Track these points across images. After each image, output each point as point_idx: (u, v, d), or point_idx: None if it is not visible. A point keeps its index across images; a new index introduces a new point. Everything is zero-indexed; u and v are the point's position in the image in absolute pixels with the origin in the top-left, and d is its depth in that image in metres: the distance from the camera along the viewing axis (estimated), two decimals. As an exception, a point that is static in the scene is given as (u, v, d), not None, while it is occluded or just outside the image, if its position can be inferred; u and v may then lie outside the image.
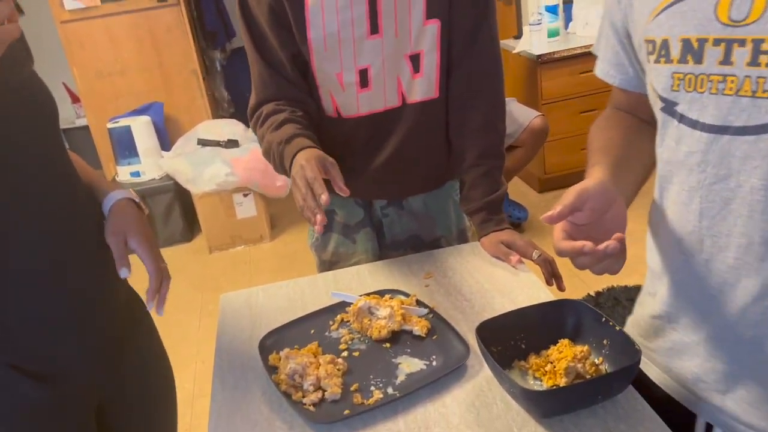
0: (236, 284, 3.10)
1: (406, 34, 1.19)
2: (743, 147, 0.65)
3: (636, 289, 2.68)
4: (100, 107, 3.59)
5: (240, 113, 4.17)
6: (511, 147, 3.00)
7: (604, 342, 0.86)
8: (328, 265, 1.42)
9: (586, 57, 3.18)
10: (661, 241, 0.82)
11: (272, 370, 0.94)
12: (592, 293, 2.56)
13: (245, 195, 3.39)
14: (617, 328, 0.85)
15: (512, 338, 0.89)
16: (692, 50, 0.69)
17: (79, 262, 0.92)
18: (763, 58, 0.62)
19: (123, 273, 0.91)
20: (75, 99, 4.58)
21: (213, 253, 3.46)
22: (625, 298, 2.49)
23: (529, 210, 3.26)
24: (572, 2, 3.52)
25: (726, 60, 0.66)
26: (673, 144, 0.74)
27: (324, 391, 0.89)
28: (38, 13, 3.78)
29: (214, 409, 0.92)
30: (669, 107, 0.73)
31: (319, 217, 1.01)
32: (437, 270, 1.20)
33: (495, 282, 1.13)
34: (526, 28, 3.44)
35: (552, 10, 3.38)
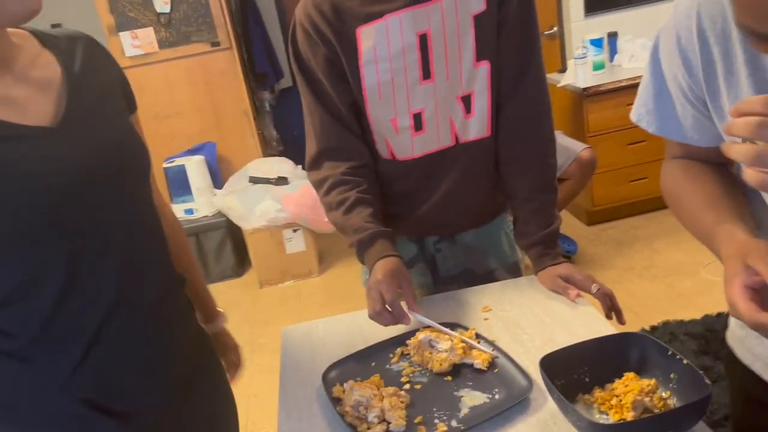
0: (286, 319, 3.14)
1: (457, 77, 1.22)
2: None
3: (693, 324, 2.62)
4: (157, 148, 3.74)
5: (289, 151, 4.28)
6: (559, 179, 2.99)
7: (671, 376, 0.85)
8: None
9: (633, 89, 3.16)
10: None
11: (336, 401, 0.96)
12: (647, 328, 2.50)
13: (295, 231, 3.46)
14: (684, 361, 0.84)
15: (576, 372, 0.89)
16: None
17: (159, 301, 0.95)
18: None
19: None
20: (132, 140, 4.78)
21: (263, 288, 3.52)
22: (682, 332, 2.43)
23: (578, 243, 3.23)
24: (617, 35, 3.53)
25: None
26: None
27: (389, 423, 0.91)
28: (100, 60, 3.98)
29: (281, 440, 0.94)
30: None
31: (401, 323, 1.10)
32: (495, 303, 1.21)
33: (554, 315, 1.14)
34: (570, 62, 3.46)
35: (596, 43, 3.39)
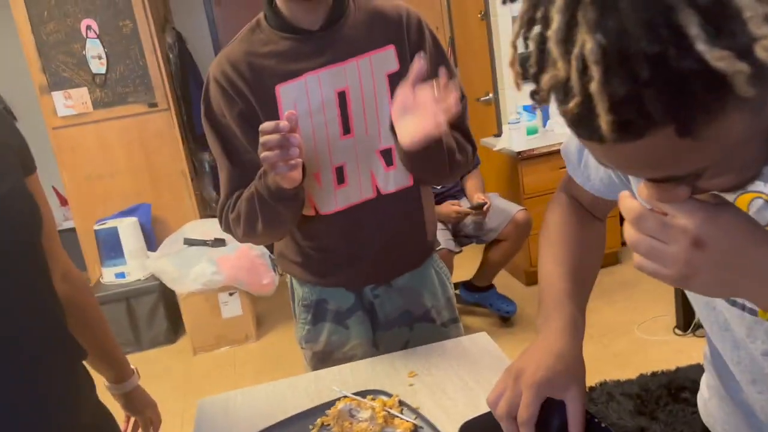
0: (220, 387, 3.00)
1: (375, 132, 1.26)
2: None
3: (628, 384, 2.63)
4: (88, 209, 3.62)
5: (228, 212, 4.21)
6: (496, 241, 3.03)
7: None
8: (320, 356, 1.41)
9: (565, 153, 3.28)
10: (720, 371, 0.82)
11: (248, 479, 0.90)
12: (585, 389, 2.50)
13: (231, 294, 3.36)
14: (603, 425, 0.82)
15: None
16: None
17: (46, 374, 0.88)
18: None
19: None
20: (63, 202, 4.62)
21: (197, 355, 3.38)
22: (619, 392, 2.44)
23: (518, 303, 3.24)
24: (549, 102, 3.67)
25: None
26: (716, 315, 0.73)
27: (301, 501, 0.85)
28: (31, 120, 3.89)
29: None
30: None
31: (294, 149, 1.05)
32: (421, 368, 1.18)
33: (480, 379, 1.11)
34: (505, 127, 3.57)
35: (529, 109, 3.52)
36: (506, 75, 3.75)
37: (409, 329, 1.41)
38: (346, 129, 1.24)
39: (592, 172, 0.89)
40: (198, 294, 3.30)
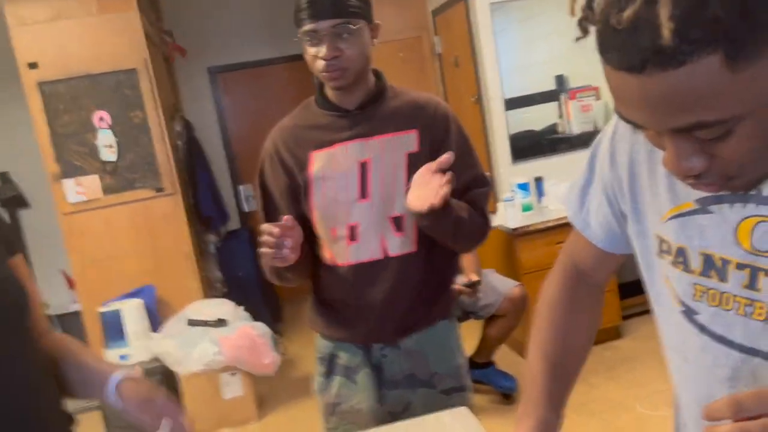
0: (219, 471, 2.97)
1: (390, 200, 1.43)
2: None
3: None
4: (94, 292, 3.69)
5: (233, 292, 4.27)
6: (493, 317, 3.06)
7: None
8: (331, 408, 1.54)
9: (561, 228, 3.35)
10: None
11: None
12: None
13: (232, 374, 3.37)
14: None
15: None
16: (715, 267, 0.69)
17: None
18: None
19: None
20: (72, 285, 4.71)
21: (198, 438, 3.35)
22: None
23: (518, 379, 3.23)
24: (543, 179, 3.79)
25: (752, 285, 0.65)
26: (697, 350, 0.74)
27: None
28: (44, 206, 4.03)
29: None
30: (689, 313, 0.74)
31: (285, 250, 1.31)
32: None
33: (456, 454, 1.14)
34: (500, 204, 3.67)
35: (523, 187, 3.62)
36: (500, 154, 3.88)
37: (412, 392, 1.51)
38: (364, 194, 1.44)
39: (592, 217, 0.90)
40: (200, 374, 3.31)
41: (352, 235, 1.45)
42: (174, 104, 4.48)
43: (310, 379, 3.84)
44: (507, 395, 3.16)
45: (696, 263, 0.70)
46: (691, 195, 0.70)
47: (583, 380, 3.21)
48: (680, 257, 0.72)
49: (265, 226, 1.32)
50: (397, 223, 1.45)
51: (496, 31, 3.80)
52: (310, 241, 1.52)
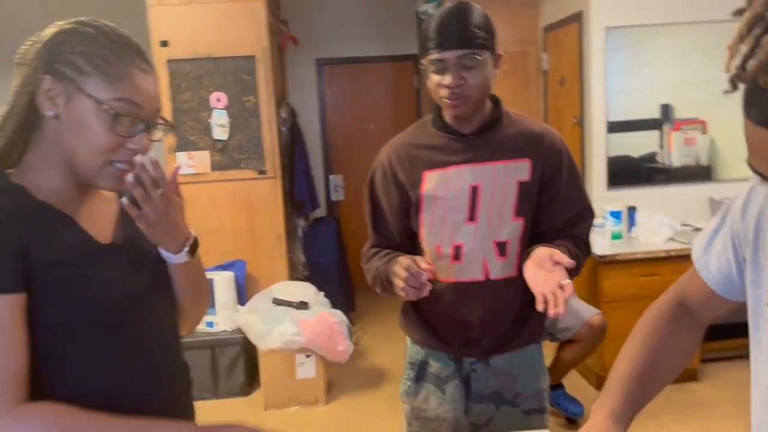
0: (286, 445, 3.14)
1: (496, 225, 1.49)
2: None
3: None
4: (191, 259, 3.94)
5: (314, 277, 4.45)
6: (569, 341, 3.07)
7: None
8: (416, 412, 1.61)
9: (648, 262, 3.32)
10: None
11: None
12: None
13: (308, 356, 3.53)
14: None
15: None
16: None
17: (173, 398, 1.08)
18: None
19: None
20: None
21: (268, 411, 3.54)
22: None
23: (585, 405, 3.23)
24: (636, 209, 3.74)
25: None
26: None
27: None
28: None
29: None
30: None
31: (424, 285, 1.36)
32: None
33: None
34: (590, 229, 3.64)
35: (615, 215, 3.59)
36: (596, 179, 3.86)
37: (496, 408, 1.58)
38: (472, 217, 1.49)
39: (713, 260, 0.97)
40: (277, 352, 3.49)
41: (457, 255, 1.51)
42: (282, 91, 4.69)
43: (377, 371, 3.98)
44: (572, 420, 3.17)
45: None
46: None
47: (654, 419, 3.19)
48: None
49: (411, 266, 1.37)
50: (501, 247, 1.50)
51: (606, 53, 3.77)
52: (414, 253, 1.58)
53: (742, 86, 0.64)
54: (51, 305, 0.93)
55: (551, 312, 1.31)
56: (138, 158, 0.93)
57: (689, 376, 3.52)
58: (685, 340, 1.02)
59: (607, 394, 0.95)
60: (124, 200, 0.96)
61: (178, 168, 1.03)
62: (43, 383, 0.93)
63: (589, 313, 3.04)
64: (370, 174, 1.62)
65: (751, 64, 0.62)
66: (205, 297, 1.19)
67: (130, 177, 0.93)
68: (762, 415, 0.87)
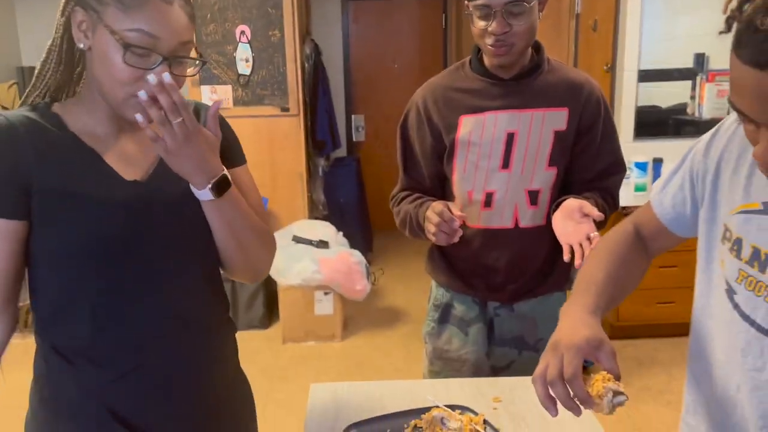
0: (304, 377, 3.24)
1: (529, 173, 1.49)
2: None
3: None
4: (213, 194, 3.97)
5: (333, 216, 4.48)
6: (586, 289, 3.08)
7: None
8: (438, 353, 1.65)
9: (670, 215, 3.29)
10: (701, 377, 0.98)
11: (351, 457, 1.08)
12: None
13: (326, 293, 3.60)
14: None
15: None
16: (759, 259, 0.84)
17: (206, 334, 1.10)
18: None
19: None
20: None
21: (286, 344, 3.64)
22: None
23: (598, 354, 3.27)
24: (662, 161, 3.69)
25: None
26: (726, 322, 0.89)
27: (395, 484, 1.02)
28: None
29: (297, 482, 1.06)
30: (730, 292, 0.89)
31: (456, 231, 1.37)
32: (505, 396, 1.32)
33: (559, 418, 1.24)
34: (613, 179, 3.61)
35: (641, 166, 3.55)
36: (623, 128, 3.79)
37: (518, 353, 1.61)
38: (506, 164, 1.49)
39: (668, 197, 1.04)
40: (297, 288, 3.56)
41: (487, 202, 1.52)
42: (306, 26, 4.60)
43: (393, 311, 4.05)
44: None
45: (746, 253, 0.85)
46: (760, 197, 0.85)
47: (665, 369, 3.23)
48: (736, 245, 0.87)
49: (445, 213, 1.38)
50: (533, 196, 1.51)
51: (642, -2, 3.64)
52: (443, 198, 1.60)
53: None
54: (44, 233, 0.96)
55: (577, 263, 1.32)
56: (151, 77, 0.89)
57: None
58: (638, 264, 1.07)
59: (577, 295, 0.98)
60: (138, 116, 0.90)
61: (219, 102, 1.01)
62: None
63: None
64: (403, 114, 1.61)
65: (749, 6, 0.67)
66: (256, 245, 1.11)
67: (142, 93, 0.89)
68: (704, 335, 0.95)
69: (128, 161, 1.02)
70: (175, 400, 1.07)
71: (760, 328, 0.84)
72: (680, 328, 3.72)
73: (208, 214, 1.03)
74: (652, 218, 1.07)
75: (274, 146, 3.97)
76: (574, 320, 0.90)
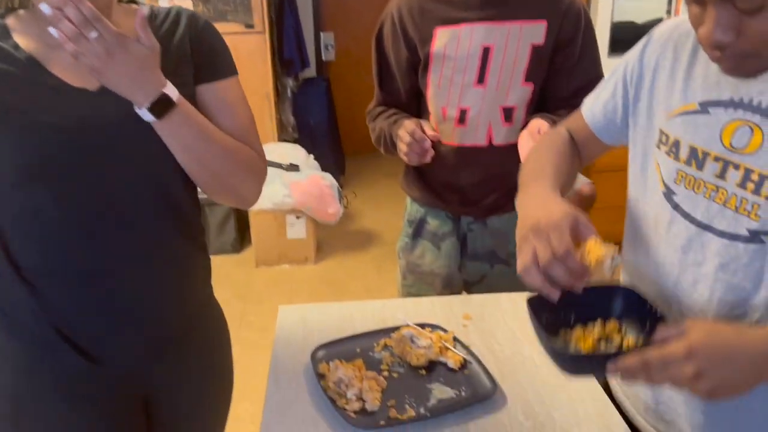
0: (277, 300, 3.24)
1: (505, 89, 1.44)
2: (718, 246, 0.84)
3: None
4: (177, 117, 3.84)
5: (304, 139, 4.39)
6: (557, 208, 3.10)
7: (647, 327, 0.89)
8: (412, 267, 1.66)
9: (642, 132, 3.28)
10: (638, 279, 1.00)
11: (321, 377, 1.08)
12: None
13: (298, 217, 3.57)
14: (659, 314, 0.87)
15: (562, 312, 0.91)
16: (697, 158, 0.86)
17: (148, 259, 1.03)
18: (749, 185, 0.80)
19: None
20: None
21: (259, 267, 3.63)
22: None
23: (567, 271, 3.33)
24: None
25: (721, 175, 0.84)
26: (666, 223, 0.92)
27: (364, 401, 1.02)
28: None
29: (268, 405, 1.05)
30: (668, 194, 0.91)
31: (427, 151, 1.39)
32: (475, 313, 1.32)
33: (526, 332, 1.25)
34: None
35: (614, 83, 3.50)
36: (599, 43, 3.70)
37: (490, 266, 1.62)
38: (481, 79, 1.44)
39: (599, 106, 1.05)
40: (268, 212, 3.52)
41: (462, 119, 1.48)
42: (269, -64, 4.34)
43: (366, 234, 4.06)
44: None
45: (684, 153, 0.88)
46: (696, 98, 0.87)
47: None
48: (673, 148, 0.90)
49: (417, 132, 1.39)
50: (508, 113, 1.47)
51: None
52: (419, 114, 1.56)
53: None
54: None
55: None
56: None
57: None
58: (573, 163, 1.08)
59: (531, 183, 0.96)
60: (52, 30, 0.83)
61: (142, 15, 0.88)
62: None
63: (579, 182, 3.05)
64: (378, 25, 1.56)
65: None
66: (231, 170, 1.01)
67: (43, 6, 0.81)
68: (639, 238, 0.98)
69: (80, 71, 0.92)
70: (142, 327, 1.04)
71: (700, 224, 0.86)
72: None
73: (162, 137, 0.95)
74: (583, 126, 1.09)
75: (239, 66, 3.74)
76: (543, 201, 0.88)
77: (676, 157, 0.89)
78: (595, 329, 0.92)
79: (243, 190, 1.07)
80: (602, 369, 0.79)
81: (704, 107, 0.86)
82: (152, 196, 1.01)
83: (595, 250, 0.81)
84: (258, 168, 1.07)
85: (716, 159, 0.84)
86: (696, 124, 0.87)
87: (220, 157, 0.99)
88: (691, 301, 0.89)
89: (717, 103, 0.85)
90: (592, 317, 0.93)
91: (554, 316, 0.90)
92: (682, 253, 0.89)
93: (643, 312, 0.89)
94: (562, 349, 0.89)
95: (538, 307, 0.88)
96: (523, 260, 0.81)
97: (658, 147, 0.93)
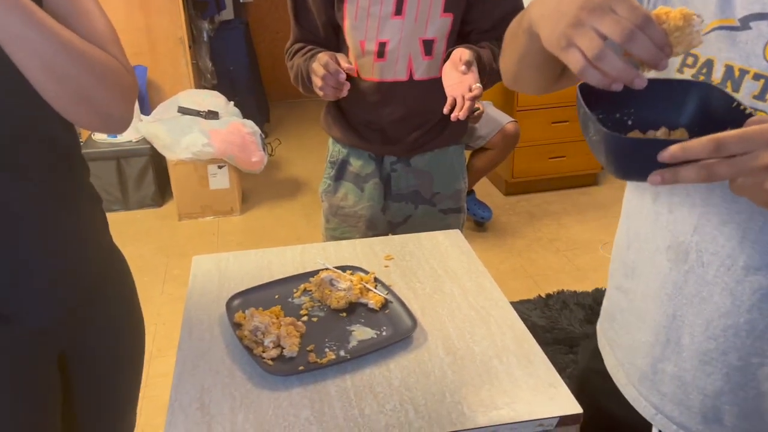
0: (202, 252, 3.15)
1: (423, 21, 1.39)
2: None
3: (584, 295, 2.83)
4: (83, 64, 3.59)
5: (222, 86, 4.20)
6: (482, 149, 3.11)
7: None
8: (335, 209, 1.63)
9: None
10: (642, 244, 0.89)
11: (237, 326, 1.03)
12: (543, 295, 2.70)
13: (220, 167, 3.44)
14: (748, 111, 0.68)
15: (618, 111, 0.76)
16: (733, 77, 0.73)
17: (49, 210, 0.95)
18: None
19: None
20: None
21: (182, 221, 3.51)
22: (573, 302, 2.64)
23: (494, 211, 3.39)
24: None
25: (761, 96, 0.71)
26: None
27: (282, 348, 0.99)
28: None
29: (180, 357, 1.01)
30: None
31: (343, 84, 1.34)
32: (397, 254, 1.30)
33: (447, 269, 1.24)
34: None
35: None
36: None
37: (414, 207, 1.60)
38: (399, 10, 1.39)
39: None
40: (188, 163, 3.38)
41: (381, 53, 1.44)
42: None
43: (293, 181, 3.97)
44: (480, 224, 3.33)
45: (718, 74, 0.75)
46: (736, 13, 0.74)
47: (556, 220, 3.41)
48: (704, 68, 0.76)
49: (332, 65, 1.33)
50: (428, 46, 1.42)
51: None
52: (338, 49, 1.49)
53: None
54: None
55: (454, 116, 1.31)
56: None
57: (591, 180, 3.72)
58: None
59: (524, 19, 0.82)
60: None
61: None
62: None
63: (503, 121, 3.06)
64: None
65: None
66: (85, 79, 0.83)
67: None
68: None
69: None
70: (46, 281, 0.97)
71: None
72: (571, 181, 3.90)
73: None
74: None
75: (149, 8, 3.59)
76: None
77: (708, 79, 0.75)
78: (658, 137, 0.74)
79: (105, 104, 0.87)
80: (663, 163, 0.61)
81: (745, 22, 0.73)
82: (21, 131, 0.90)
83: (673, 17, 0.65)
84: (124, 79, 0.89)
85: (756, 77, 0.71)
86: (734, 40, 0.73)
87: (65, 53, 0.81)
88: (713, 248, 0.77)
89: (761, 16, 0.72)
90: (654, 124, 0.75)
91: (607, 120, 0.72)
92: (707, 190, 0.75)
93: (723, 119, 0.68)
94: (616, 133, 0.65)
95: (590, 98, 0.69)
96: (588, 46, 0.62)
97: (680, 72, 0.79)
